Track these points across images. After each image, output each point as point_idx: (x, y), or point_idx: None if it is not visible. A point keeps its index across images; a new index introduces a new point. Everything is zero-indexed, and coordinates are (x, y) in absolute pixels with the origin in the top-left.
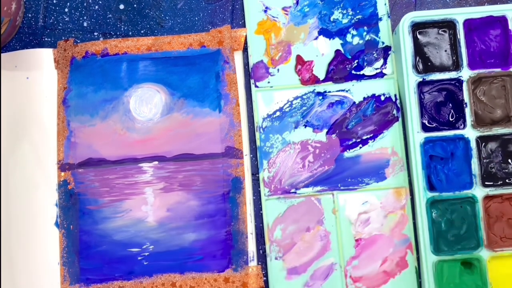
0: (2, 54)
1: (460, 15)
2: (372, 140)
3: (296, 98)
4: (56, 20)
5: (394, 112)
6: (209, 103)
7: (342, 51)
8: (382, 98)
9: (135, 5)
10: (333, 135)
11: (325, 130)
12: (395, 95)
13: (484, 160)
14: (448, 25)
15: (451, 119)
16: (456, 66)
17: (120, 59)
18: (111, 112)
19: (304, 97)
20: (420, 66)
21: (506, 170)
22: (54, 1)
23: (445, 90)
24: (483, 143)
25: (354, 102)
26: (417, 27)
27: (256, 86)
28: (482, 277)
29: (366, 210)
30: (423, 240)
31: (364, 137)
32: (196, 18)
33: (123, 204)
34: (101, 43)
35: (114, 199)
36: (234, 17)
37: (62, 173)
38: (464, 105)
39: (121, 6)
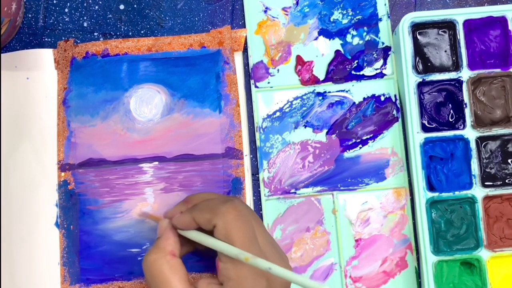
0: (2, 54)
1: (460, 15)
2: (372, 140)
3: (296, 98)
4: (56, 20)
5: (394, 112)
6: (209, 104)
7: (342, 52)
8: (382, 98)
9: (135, 6)
10: (333, 136)
11: (325, 131)
12: (395, 96)
13: (484, 161)
14: (448, 25)
15: (450, 120)
16: (456, 66)
17: (121, 59)
18: (111, 113)
19: (304, 97)
20: (420, 67)
21: (506, 171)
22: (54, 2)
23: (445, 91)
24: (483, 144)
25: (354, 103)
26: (417, 28)
27: (256, 87)
28: (482, 277)
29: (366, 210)
30: (423, 240)
31: (364, 138)
32: (196, 19)
33: (123, 204)
34: (101, 44)
35: (114, 199)
36: (234, 17)
37: (62, 173)
38: (464, 106)
39: (121, 7)
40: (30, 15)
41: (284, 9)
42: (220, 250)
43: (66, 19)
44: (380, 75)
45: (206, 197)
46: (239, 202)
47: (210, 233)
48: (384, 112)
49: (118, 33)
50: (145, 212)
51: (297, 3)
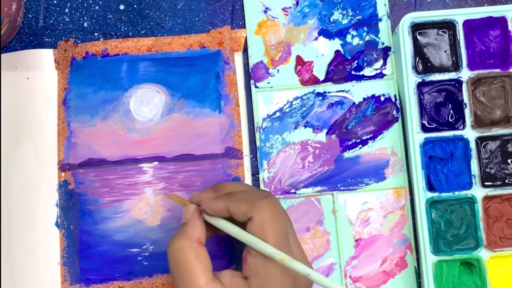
0: (2, 55)
1: (459, 15)
2: (372, 140)
3: (296, 98)
4: (57, 20)
5: (394, 112)
6: (209, 104)
7: (342, 52)
8: (382, 98)
9: (135, 6)
10: (333, 136)
11: (325, 131)
12: (395, 96)
13: (484, 161)
14: (448, 25)
15: (450, 120)
16: (456, 66)
17: (121, 59)
18: (111, 113)
19: (304, 97)
20: (420, 67)
21: (506, 171)
22: (55, 2)
23: (445, 91)
24: (483, 144)
25: (354, 103)
26: (417, 28)
27: (256, 87)
28: (482, 277)
29: (365, 210)
30: (423, 240)
31: (364, 138)
32: (196, 19)
33: (123, 204)
34: (101, 44)
35: (114, 199)
36: (234, 17)
37: (63, 174)
38: (464, 106)
39: (121, 7)
40: (30, 15)
41: (284, 9)
42: (253, 246)
43: (66, 19)
44: (380, 75)
45: (240, 187)
46: (277, 200)
47: (239, 224)
48: (384, 112)
49: (118, 33)
50: (167, 192)
51: (297, 3)
